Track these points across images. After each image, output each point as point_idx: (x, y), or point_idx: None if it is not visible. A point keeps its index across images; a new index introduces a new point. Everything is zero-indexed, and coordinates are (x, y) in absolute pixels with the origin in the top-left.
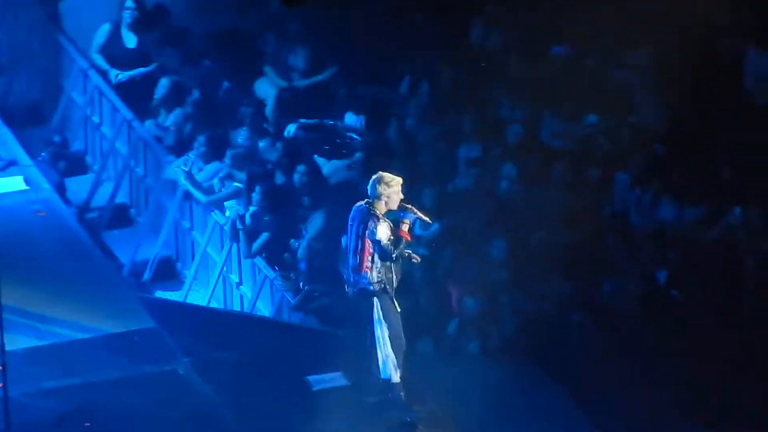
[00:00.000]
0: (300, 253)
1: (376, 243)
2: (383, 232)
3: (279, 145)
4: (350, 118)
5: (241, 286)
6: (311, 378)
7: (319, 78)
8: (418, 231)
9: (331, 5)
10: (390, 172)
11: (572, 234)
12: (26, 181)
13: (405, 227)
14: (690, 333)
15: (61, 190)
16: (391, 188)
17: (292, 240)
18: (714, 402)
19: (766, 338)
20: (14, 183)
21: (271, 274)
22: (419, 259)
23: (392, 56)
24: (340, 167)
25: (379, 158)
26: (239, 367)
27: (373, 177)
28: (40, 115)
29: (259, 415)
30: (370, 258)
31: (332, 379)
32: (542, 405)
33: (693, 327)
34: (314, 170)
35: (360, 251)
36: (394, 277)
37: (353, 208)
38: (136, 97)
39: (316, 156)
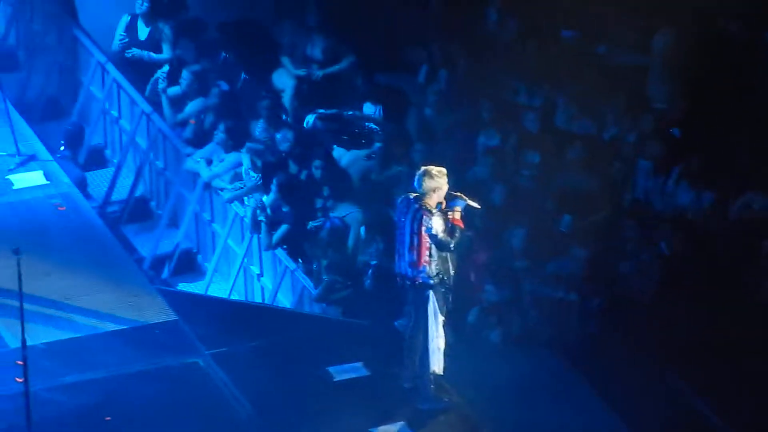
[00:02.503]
0: (322, 243)
1: (434, 237)
2: (438, 225)
3: (290, 136)
4: (368, 108)
5: (262, 278)
6: (332, 369)
7: (336, 68)
8: None
9: None
10: (409, 162)
11: (591, 219)
12: (46, 175)
13: (457, 215)
14: (707, 318)
15: (82, 184)
16: (441, 180)
17: (311, 230)
18: (730, 385)
19: None
20: (34, 178)
21: (291, 265)
22: (479, 206)
23: (409, 45)
24: (359, 157)
25: (399, 148)
26: (260, 359)
27: (419, 172)
28: (59, 110)
29: (281, 407)
30: (427, 253)
31: (353, 369)
32: (565, 394)
33: (710, 312)
34: (330, 162)
35: (417, 246)
36: (451, 266)
37: (399, 202)
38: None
39: (335, 146)
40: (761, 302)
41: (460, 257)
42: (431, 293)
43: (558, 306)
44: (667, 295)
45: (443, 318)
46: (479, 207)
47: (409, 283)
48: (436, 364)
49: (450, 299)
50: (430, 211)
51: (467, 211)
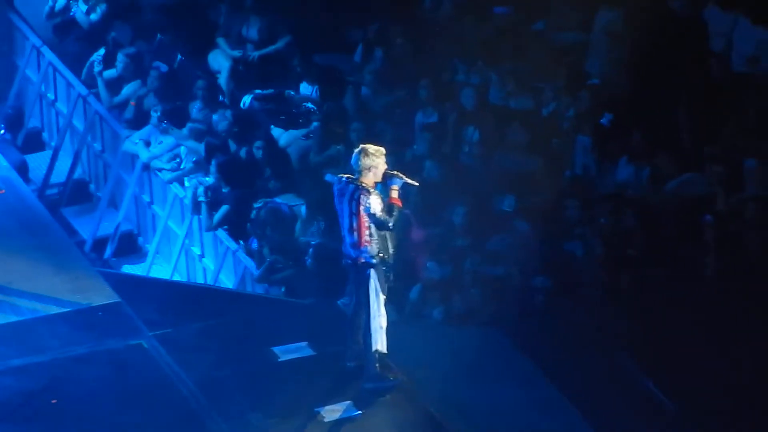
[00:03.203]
0: (262, 223)
1: (372, 216)
2: (376, 204)
3: (229, 114)
4: (305, 88)
5: (203, 259)
6: (277, 349)
7: (272, 48)
8: None
9: None
10: (348, 141)
11: (532, 197)
12: None
13: (395, 194)
14: (650, 294)
15: (23, 168)
16: (378, 159)
17: (253, 211)
18: (675, 361)
19: (725, 294)
20: None
21: (233, 245)
22: (417, 183)
23: (345, 24)
24: (297, 137)
25: (337, 127)
26: (204, 340)
27: (356, 150)
28: None
29: (226, 388)
30: (367, 232)
31: (298, 349)
32: (508, 372)
33: (653, 288)
34: (271, 142)
35: (357, 227)
36: (390, 244)
37: (335, 183)
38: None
39: (273, 126)
40: (703, 278)
41: (400, 235)
42: (372, 272)
43: (499, 284)
44: (609, 271)
45: (384, 296)
46: (417, 184)
47: (351, 262)
48: (380, 342)
49: (391, 277)
50: (368, 191)
51: (404, 188)
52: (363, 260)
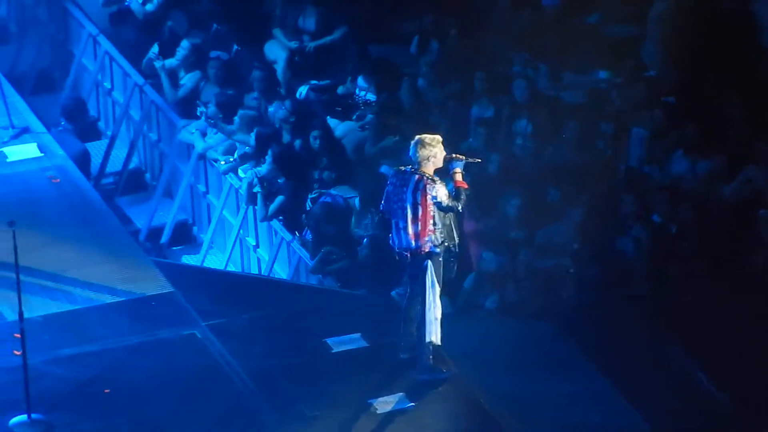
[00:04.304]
0: (315, 216)
1: (439, 204)
2: (442, 192)
3: (288, 104)
4: (362, 79)
5: (258, 249)
6: (330, 340)
7: (328, 39)
8: None
9: None
10: (402, 133)
11: (585, 189)
12: (40, 148)
13: (459, 177)
14: (701, 286)
15: (85, 158)
16: (435, 147)
17: (308, 203)
18: (726, 354)
19: None
20: (28, 150)
21: (287, 236)
22: (480, 160)
23: (401, 15)
24: (352, 128)
25: (392, 119)
26: (257, 331)
27: (413, 142)
28: (51, 82)
29: (278, 379)
30: (431, 222)
31: (351, 341)
32: (557, 363)
33: (706, 281)
34: (328, 132)
35: (421, 217)
36: (455, 232)
37: (393, 175)
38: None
39: (328, 117)
40: (757, 271)
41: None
42: (429, 263)
43: (551, 276)
44: (661, 264)
45: (440, 288)
46: (479, 161)
47: (408, 253)
48: (434, 334)
49: (455, 267)
50: (433, 180)
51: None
52: (427, 249)
